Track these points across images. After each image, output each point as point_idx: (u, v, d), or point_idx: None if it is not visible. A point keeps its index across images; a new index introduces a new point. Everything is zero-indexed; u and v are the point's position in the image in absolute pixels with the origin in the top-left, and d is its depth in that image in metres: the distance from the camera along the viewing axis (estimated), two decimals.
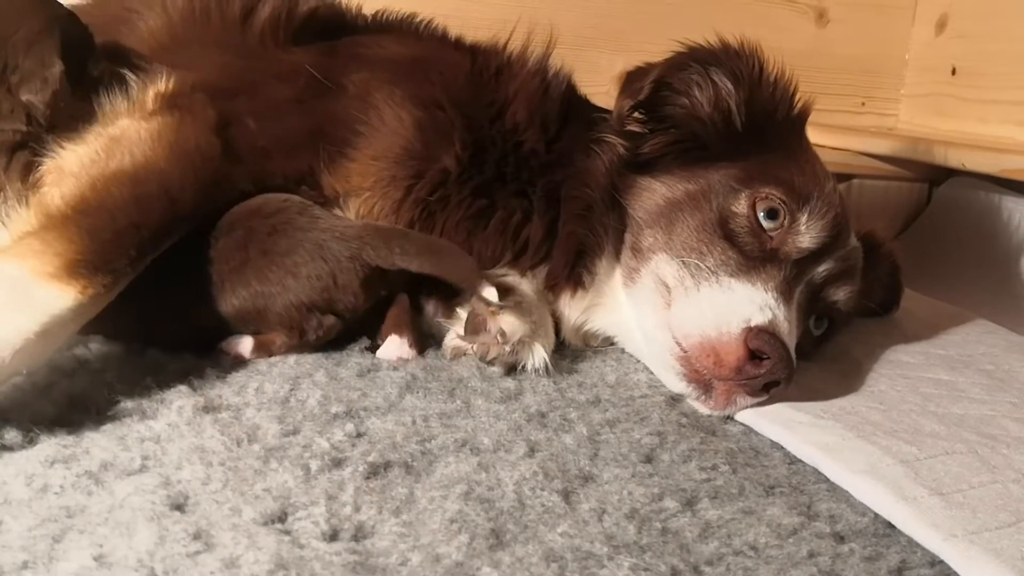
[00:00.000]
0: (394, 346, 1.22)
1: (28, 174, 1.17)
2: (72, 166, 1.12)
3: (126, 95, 1.21)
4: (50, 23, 1.19)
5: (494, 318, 1.21)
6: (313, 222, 1.18)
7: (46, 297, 0.97)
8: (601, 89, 1.42)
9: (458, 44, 1.48)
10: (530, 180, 1.31)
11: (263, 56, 1.35)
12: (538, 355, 1.23)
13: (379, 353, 1.22)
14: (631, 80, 1.26)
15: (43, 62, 1.18)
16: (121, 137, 1.15)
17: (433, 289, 1.28)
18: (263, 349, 1.18)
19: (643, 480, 0.95)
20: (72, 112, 1.20)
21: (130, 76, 1.22)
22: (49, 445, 0.91)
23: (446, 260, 1.20)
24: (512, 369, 1.21)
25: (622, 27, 2.22)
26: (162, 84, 1.22)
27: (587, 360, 1.29)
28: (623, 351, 1.33)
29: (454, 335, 1.25)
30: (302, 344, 1.19)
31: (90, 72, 1.21)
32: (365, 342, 1.25)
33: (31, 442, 0.91)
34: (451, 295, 1.28)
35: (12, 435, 0.91)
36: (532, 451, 0.99)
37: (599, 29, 2.19)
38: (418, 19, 1.52)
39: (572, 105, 1.40)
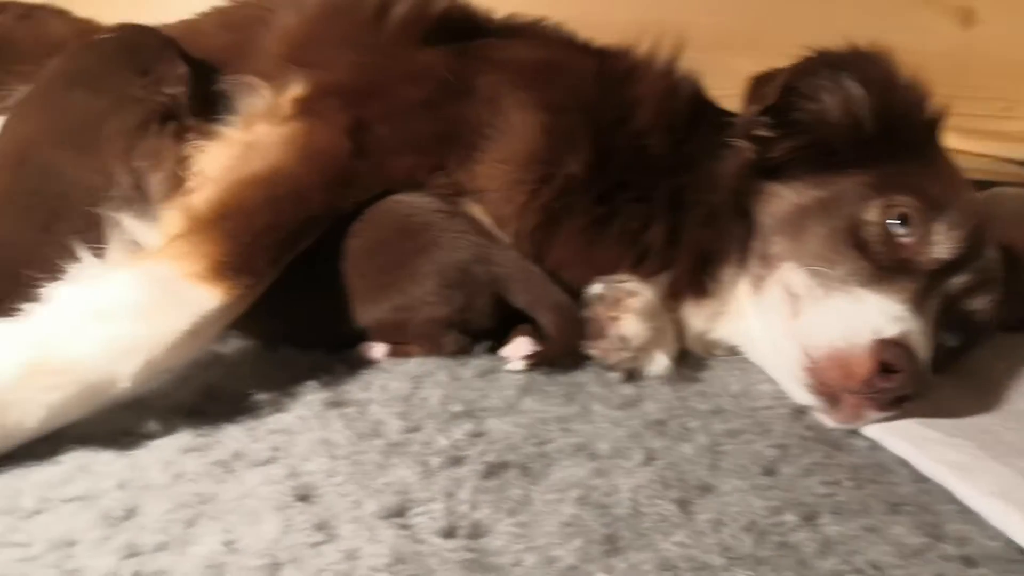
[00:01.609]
0: (521, 346, 1.23)
1: (179, 145, 1.25)
2: (212, 171, 1.18)
3: (263, 100, 1.27)
4: (166, 39, 1.38)
5: (615, 323, 1.21)
6: (457, 240, 1.19)
7: (195, 297, 1.02)
8: (732, 92, 1.39)
9: (586, 48, 1.48)
10: (654, 184, 1.30)
11: (395, 56, 1.37)
12: (659, 362, 1.22)
13: (504, 351, 1.23)
14: (758, 85, 1.24)
15: (170, 63, 1.33)
16: (256, 143, 1.20)
17: None
18: (397, 356, 1.21)
19: (763, 493, 0.93)
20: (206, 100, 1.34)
21: (259, 83, 1.27)
22: (186, 434, 0.95)
23: (561, 325, 1.20)
24: (632, 375, 1.21)
25: (754, 29, 2.18)
26: (297, 89, 1.27)
27: (710, 369, 1.28)
28: (747, 360, 1.30)
29: None
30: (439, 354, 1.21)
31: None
32: (487, 343, 1.26)
33: (169, 431, 0.95)
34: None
35: (152, 423, 0.96)
36: (650, 459, 0.98)
37: (730, 32, 2.16)
38: (547, 23, 1.52)
39: (700, 108, 1.38)
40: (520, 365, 1.16)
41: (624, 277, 1.28)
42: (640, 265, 1.29)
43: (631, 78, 1.36)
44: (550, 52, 1.42)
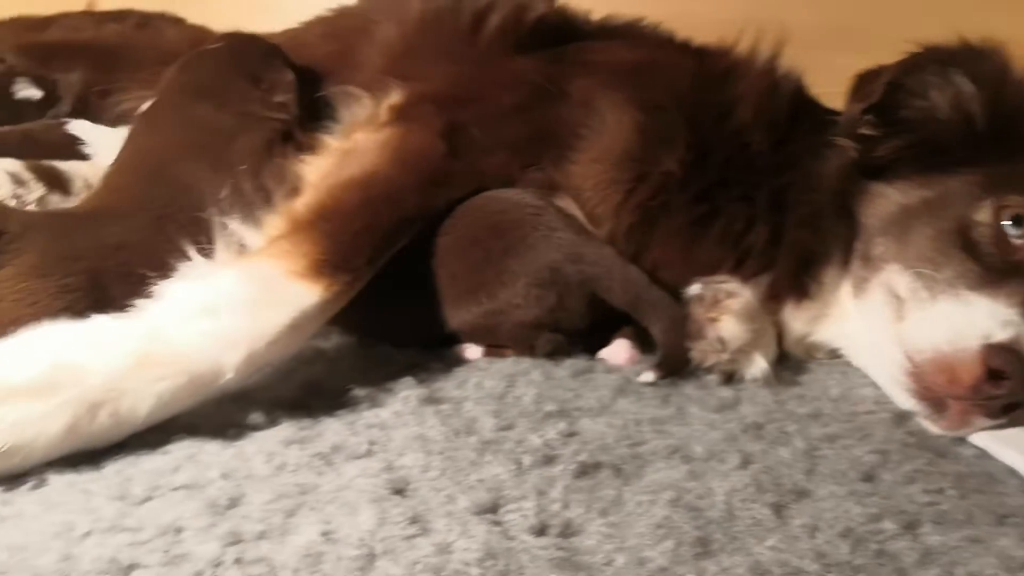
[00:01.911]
0: (621, 348, 1.22)
1: (295, 159, 1.31)
2: (312, 178, 1.23)
3: (364, 110, 1.30)
4: (271, 47, 1.48)
5: (713, 325, 1.20)
6: (548, 239, 1.18)
7: (296, 294, 1.05)
8: (835, 90, 1.37)
9: (684, 47, 1.48)
10: (755, 184, 1.28)
11: (489, 65, 1.39)
12: (758, 364, 1.20)
13: (603, 353, 1.23)
14: (863, 82, 1.21)
15: (279, 70, 1.42)
16: (353, 149, 1.25)
17: None
18: (492, 357, 1.22)
19: (861, 499, 0.91)
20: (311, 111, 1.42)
21: (360, 93, 1.31)
22: (288, 427, 0.98)
23: (668, 327, 1.18)
24: (730, 378, 1.19)
25: (860, 25, 2.12)
26: (394, 98, 1.30)
27: (809, 372, 1.26)
28: (848, 364, 1.27)
29: None
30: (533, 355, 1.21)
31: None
32: (585, 343, 1.26)
33: (272, 423, 0.98)
34: None
35: (256, 416, 0.99)
36: (746, 462, 0.97)
37: (834, 27, 2.11)
38: (644, 23, 1.52)
39: (801, 107, 1.36)
40: (651, 377, 1.15)
41: (723, 278, 1.27)
42: (740, 266, 1.28)
43: (730, 76, 1.35)
44: (646, 52, 1.42)
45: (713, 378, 1.19)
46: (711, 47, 1.44)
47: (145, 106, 1.43)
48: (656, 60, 1.38)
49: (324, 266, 1.07)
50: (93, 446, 0.90)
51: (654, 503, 0.88)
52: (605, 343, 1.24)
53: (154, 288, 1.02)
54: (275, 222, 1.16)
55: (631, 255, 1.25)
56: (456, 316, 1.20)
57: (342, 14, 1.70)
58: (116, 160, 1.31)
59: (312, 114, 1.43)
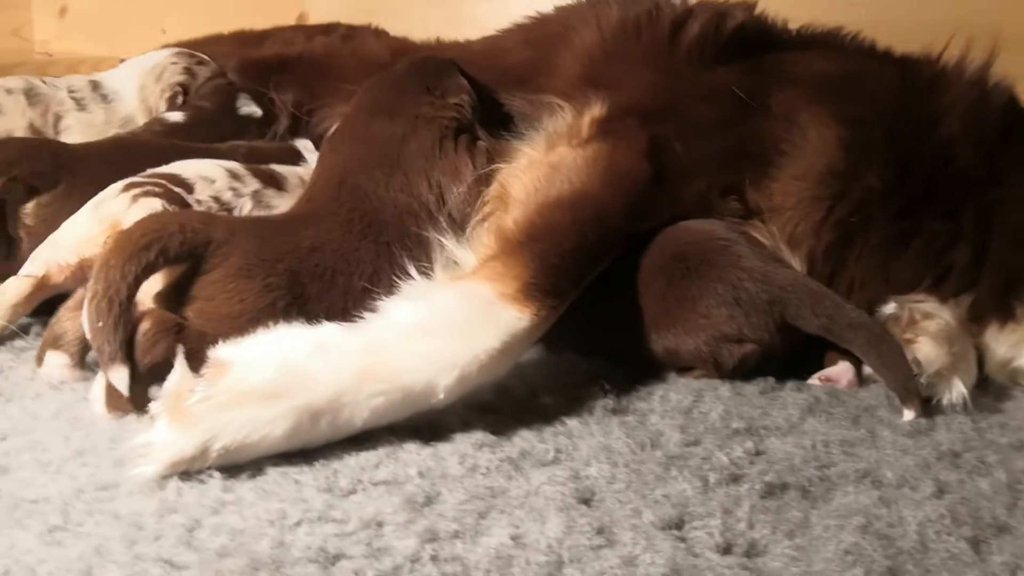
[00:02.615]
0: (844, 370, 1.20)
1: (473, 154, 1.35)
2: (519, 193, 1.23)
3: (563, 121, 1.32)
4: (446, 60, 1.53)
5: (910, 346, 1.16)
6: (734, 261, 1.17)
7: (507, 317, 1.06)
8: None
9: (886, 57, 1.43)
10: (960, 200, 1.24)
11: (689, 75, 1.39)
12: (956, 389, 1.15)
13: (822, 374, 1.21)
14: None
15: (452, 77, 1.46)
16: (560, 164, 1.24)
17: None
18: (685, 376, 1.22)
19: None
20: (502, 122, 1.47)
21: (559, 102, 1.33)
22: (479, 431, 1.01)
23: (887, 358, 1.13)
24: (925, 402, 1.15)
25: None
26: (596, 110, 1.30)
27: (1013, 399, 1.20)
28: None
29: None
30: (722, 373, 1.20)
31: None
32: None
33: (465, 426, 1.02)
34: None
35: (451, 419, 1.03)
36: (940, 492, 0.94)
37: None
38: (843, 33, 1.48)
39: (1014, 119, 1.30)
40: (912, 414, 1.10)
41: (920, 297, 1.23)
42: (939, 285, 1.24)
43: (936, 87, 1.31)
44: (847, 63, 1.38)
45: None
46: (915, 56, 1.39)
47: (331, 130, 1.52)
48: (857, 71, 1.35)
49: (534, 289, 1.07)
50: (308, 447, 0.95)
51: (842, 528, 0.86)
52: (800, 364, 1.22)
53: (374, 301, 1.06)
54: (485, 239, 1.17)
55: (828, 273, 1.23)
56: (642, 344, 1.20)
57: (540, 21, 1.72)
58: (309, 179, 1.40)
59: (503, 125, 1.47)
